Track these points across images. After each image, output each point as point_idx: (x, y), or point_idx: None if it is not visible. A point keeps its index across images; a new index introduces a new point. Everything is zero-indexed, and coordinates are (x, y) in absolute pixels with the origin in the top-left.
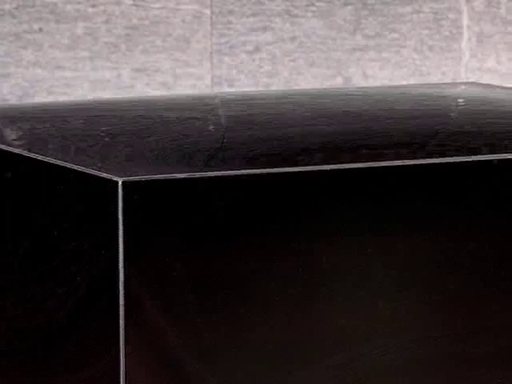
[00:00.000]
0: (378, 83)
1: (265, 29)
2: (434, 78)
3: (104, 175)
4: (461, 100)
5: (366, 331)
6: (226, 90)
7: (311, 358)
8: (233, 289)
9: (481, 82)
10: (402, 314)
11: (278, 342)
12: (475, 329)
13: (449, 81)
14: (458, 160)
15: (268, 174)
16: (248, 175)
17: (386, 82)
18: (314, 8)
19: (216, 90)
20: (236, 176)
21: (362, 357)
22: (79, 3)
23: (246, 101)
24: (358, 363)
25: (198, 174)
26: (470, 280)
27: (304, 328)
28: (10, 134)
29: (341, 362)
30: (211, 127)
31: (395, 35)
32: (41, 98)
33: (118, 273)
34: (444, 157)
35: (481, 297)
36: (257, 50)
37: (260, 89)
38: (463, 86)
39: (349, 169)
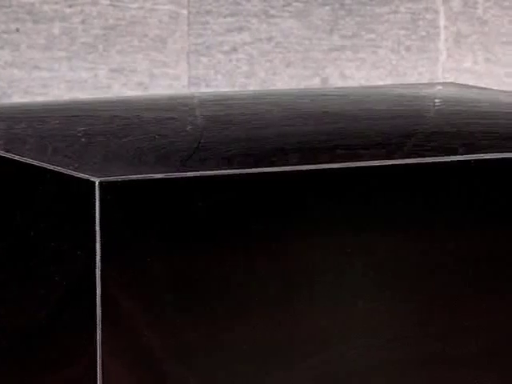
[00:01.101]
0: (354, 83)
1: (242, 29)
2: (411, 79)
3: (81, 175)
4: (438, 100)
5: (346, 331)
6: (202, 90)
7: (290, 358)
8: (211, 289)
9: (458, 82)
10: (381, 314)
11: (258, 342)
12: (454, 329)
13: (426, 81)
14: (436, 160)
15: (245, 174)
16: (225, 175)
17: (363, 83)
18: (290, 8)
19: (193, 90)
20: (213, 176)
21: (342, 357)
22: (56, 3)
23: (223, 101)
24: (337, 363)
25: (175, 174)
26: (449, 280)
27: (283, 328)
28: None
29: (320, 362)
30: (188, 127)
31: (372, 35)
32: (18, 98)
33: (96, 273)
34: (421, 157)
35: (459, 297)
36: (234, 50)
37: (237, 89)
38: (440, 87)
39: (326, 169)
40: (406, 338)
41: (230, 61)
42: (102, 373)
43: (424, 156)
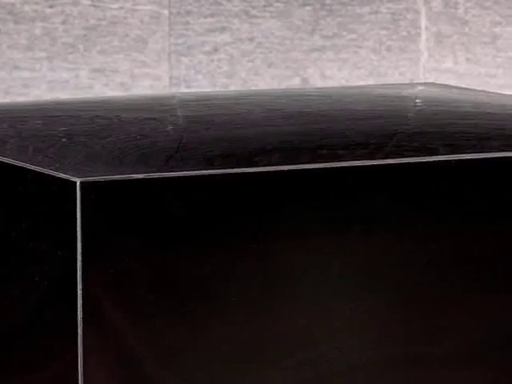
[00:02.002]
0: (335, 84)
1: (223, 29)
2: (392, 79)
3: (62, 176)
4: (418, 100)
5: (325, 331)
6: (183, 90)
7: (271, 358)
8: (192, 289)
9: (439, 82)
10: (360, 314)
11: (238, 342)
12: (436, 329)
13: (407, 81)
14: (416, 160)
15: (226, 174)
16: (206, 176)
17: (344, 83)
18: (272, 8)
19: (174, 91)
20: (194, 176)
21: (322, 357)
22: (37, 4)
23: (204, 101)
24: (317, 363)
25: (156, 175)
26: (429, 280)
27: (263, 328)
28: None
29: (300, 362)
30: (169, 128)
31: (353, 36)
32: None
33: (77, 273)
34: (402, 157)
35: (441, 297)
36: (215, 50)
37: (218, 89)
38: (421, 87)
39: (307, 169)
40: (389, 338)
41: (211, 61)
42: (83, 373)
43: (405, 156)
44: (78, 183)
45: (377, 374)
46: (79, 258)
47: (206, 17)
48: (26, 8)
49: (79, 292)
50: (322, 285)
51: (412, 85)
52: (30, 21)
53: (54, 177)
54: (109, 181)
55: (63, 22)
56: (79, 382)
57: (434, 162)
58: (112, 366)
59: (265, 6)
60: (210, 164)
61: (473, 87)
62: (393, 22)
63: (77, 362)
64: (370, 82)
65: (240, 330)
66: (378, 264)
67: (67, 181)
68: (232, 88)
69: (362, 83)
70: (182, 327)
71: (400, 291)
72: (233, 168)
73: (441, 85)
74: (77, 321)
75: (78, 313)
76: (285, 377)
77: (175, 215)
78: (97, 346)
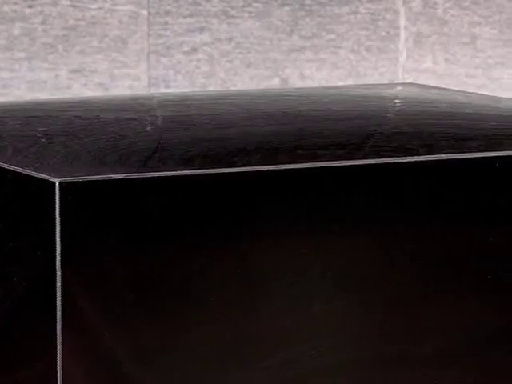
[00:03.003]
0: (314, 84)
1: (202, 29)
2: (371, 79)
3: (41, 176)
4: (398, 101)
5: (304, 331)
6: (163, 90)
7: (249, 358)
8: (171, 289)
9: (418, 82)
10: (339, 314)
11: (216, 343)
12: (413, 329)
13: (386, 81)
14: (395, 161)
15: (205, 174)
16: (185, 176)
17: (323, 83)
18: (250, 9)
19: (153, 91)
20: (173, 177)
21: (300, 357)
22: (16, 4)
23: (183, 101)
24: (296, 363)
25: (135, 175)
26: (407, 280)
27: (242, 328)
28: None
29: (279, 363)
30: (148, 128)
31: (332, 36)
32: None
33: (56, 273)
34: (381, 157)
35: (417, 297)
36: (194, 50)
37: (197, 89)
38: (400, 87)
39: (286, 169)
40: (368, 338)
41: (190, 61)
42: (62, 373)
43: (384, 156)
44: (56, 183)
45: (356, 374)
46: (58, 258)
47: (184, 17)
48: (5, 8)
49: (58, 292)
50: (301, 285)
51: (391, 85)
52: (9, 21)
53: (33, 177)
54: (88, 181)
55: (42, 23)
56: (58, 382)
57: (413, 162)
58: (91, 366)
59: (244, 7)
60: (189, 164)
61: (452, 87)
62: (372, 23)
63: (56, 363)
64: (349, 82)
65: (219, 330)
66: (357, 264)
67: (46, 181)
68: (211, 88)
69: (341, 83)
70: (161, 327)
71: (379, 291)
72: (212, 168)
73: (420, 85)
74: (56, 321)
75: (57, 313)
76: (264, 377)
77: (154, 215)
78: (76, 347)
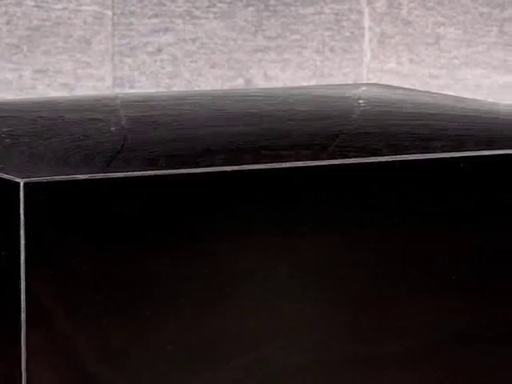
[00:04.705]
0: (279, 84)
1: (166, 30)
2: (336, 79)
3: (5, 176)
4: (362, 101)
5: (273, 331)
6: (127, 91)
7: (218, 358)
8: (139, 289)
9: (382, 83)
10: (308, 314)
11: (185, 343)
12: (381, 329)
13: (350, 82)
14: (360, 161)
15: (170, 175)
16: (150, 176)
17: (288, 83)
18: (215, 9)
19: (117, 91)
20: (138, 177)
21: (269, 357)
22: None
23: (148, 102)
24: (264, 364)
25: (100, 175)
26: (375, 281)
27: (211, 328)
28: None
29: (247, 363)
30: (113, 128)
31: (297, 36)
32: None
33: (20, 274)
34: (346, 158)
35: (385, 297)
36: (158, 51)
37: (161, 90)
38: (364, 88)
39: (251, 170)
40: (336, 338)
41: (155, 62)
42: (27, 374)
43: (349, 157)
44: (21, 184)
45: (325, 374)
46: (23, 259)
47: (149, 17)
48: None
49: (22, 293)
50: (269, 285)
51: (355, 85)
52: None
53: None
54: (52, 181)
55: (7, 23)
56: (22, 382)
57: (378, 162)
58: (57, 366)
59: (208, 7)
60: (154, 164)
61: (416, 88)
62: (336, 23)
63: (20, 363)
64: (314, 82)
65: (188, 330)
66: (324, 264)
67: (10, 181)
68: (175, 89)
69: (305, 84)
70: (128, 328)
71: (347, 291)
72: (177, 168)
73: (384, 85)
74: (20, 322)
75: (22, 313)
76: (230, 377)
77: (119, 216)
78: (41, 347)
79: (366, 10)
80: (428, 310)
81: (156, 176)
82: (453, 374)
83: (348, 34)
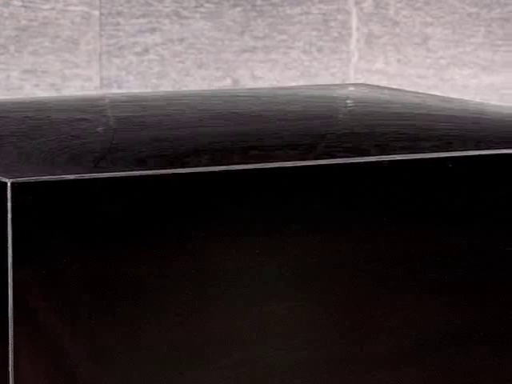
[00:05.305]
0: (266, 84)
1: (153, 30)
2: (323, 80)
3: None
4: (349, 101)
5: (261, 331)
6: (114, 91)
7: (206, 358)
8: (127, 289)
9: (369, 83)
10: (296, 315)
11: (173, 343)
12: (369, 330)
13: (338, 82)
14: (348, 161)
15: (157, 175)
16: (137, 176)
17: (275, 84)
18: (202, 9)
19: (105, 92)
20: (125, 177)
21: (257, 357)
22: None
23: (135, 102)
24: (252, 364)
25: (87, 175)
26: (362, 281)
27: (199, 328)
28: None
29: (235, 363)
30: (100, 128)
31: (284, 36)
32: None
33: (8, 274)
34: (333, 158)
35: (372, 297)
36: (146, 51)
37: (149, 90)
38: (352, 88)
39: (239, 170)
40: (324, 339)
41: (142, 62)
42: (14, 373)
43: (336, 157)
44: (8, 184)
45: (311, 374)
46: (10, 258)
47: (137, 17)
48: None
49: (10, 293)
50: (257, 285)
51: (343, 86)
52: None
53: None
54: (40, 181)
55: None
56: (10, 382)
57: (366, 162)
58: (45, 366)
59: (195, 7)
60: (141, 165)
61: (403, 88)
62: (324, 23)
63: (7, 363)
64: (301, 82)
65: (176, 330)
66: (312, 265)
67: None
68: (163, 89)
69: (292, 84)
70: (116, 328)
71: (335, 292)
72: (164, 169)
73: (371, 85)
74: (8, 322)
75: (9, 313)
76: (220, 377)
77: (107, 216)
78: (29, 347)
79: (354, 10)
80: (414, 311)
81: (143, 176)
82: (441, 373)
83: (335, 34)
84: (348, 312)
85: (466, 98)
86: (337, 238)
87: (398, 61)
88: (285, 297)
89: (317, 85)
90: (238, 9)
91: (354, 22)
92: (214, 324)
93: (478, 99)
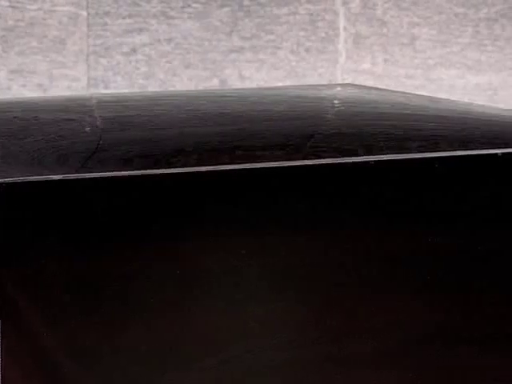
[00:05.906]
0: (254, 85)
1: (141, 30)
2: (311, 80)
3: None
4: (337, 101)
5: (241, 332)
6: (102, 91)
7: (188, 358)
8: (109, 290)
9: (356, 83)
10: (277, 315)
11: (154, 343)
12: (351, 330)
13: (325, 82)
14: (335, 161)
15: (144, 175)
16: (124, 177)
17: (262, 84)
18: (190, 9)
19: (92, 92)
20: (112, 178)
21: (239, 357)
22: None
23: (123, 102)
24: (233, 364)
25: (74, 176)
26: (345, 281)
27: (181, 328)
28: None
29: (217, 363)
30: (87, 129)
31: (271, 37)
32: None
33: None
34: (320, 158)
35: (356, 298)
36: (133, 51)
37: (136, 90)
38: (339, 88)
39: (225, 170)
40: (305, 339)
41: (130, 62)
42: (0, 374)
43: (323, 157)
44: None
45: (294, 374)
46: None
47: (124, 18)
48: None
49: None
50: (239, 285)
51: (330, 86)
52: None
53: None
54: (27, 182)
55: None
56: None
57: (352, 163)
58: (29, 366)
59: (183, 7)
60: (128, 165)
61: (391, 88)
62: (311, 23)
63: None
64: (289, 82)
65: (158, 330)
66: (294, 265)
67: None
68: (150, 89)
69: (280, 84)
70: (100, 328)
71: (317, 292)
72: (151, 169)
73: (358, 85)
74: None
75: None
76: (202, 377)
77: (93, 216)
78: (13, 347)
79: (341, 11)
80: (399, 311)
81: (129, 177)
82: (425, 373)
83: (323, 34)
84: (330, 312)
85: (454, 97)
86: (321, 238)
87: (386, 61)
88: (267, 297)
89: (304, 85)
90: (226, 9)
91: (342, 23)
92: (196, 325)
93: (465, 99)
